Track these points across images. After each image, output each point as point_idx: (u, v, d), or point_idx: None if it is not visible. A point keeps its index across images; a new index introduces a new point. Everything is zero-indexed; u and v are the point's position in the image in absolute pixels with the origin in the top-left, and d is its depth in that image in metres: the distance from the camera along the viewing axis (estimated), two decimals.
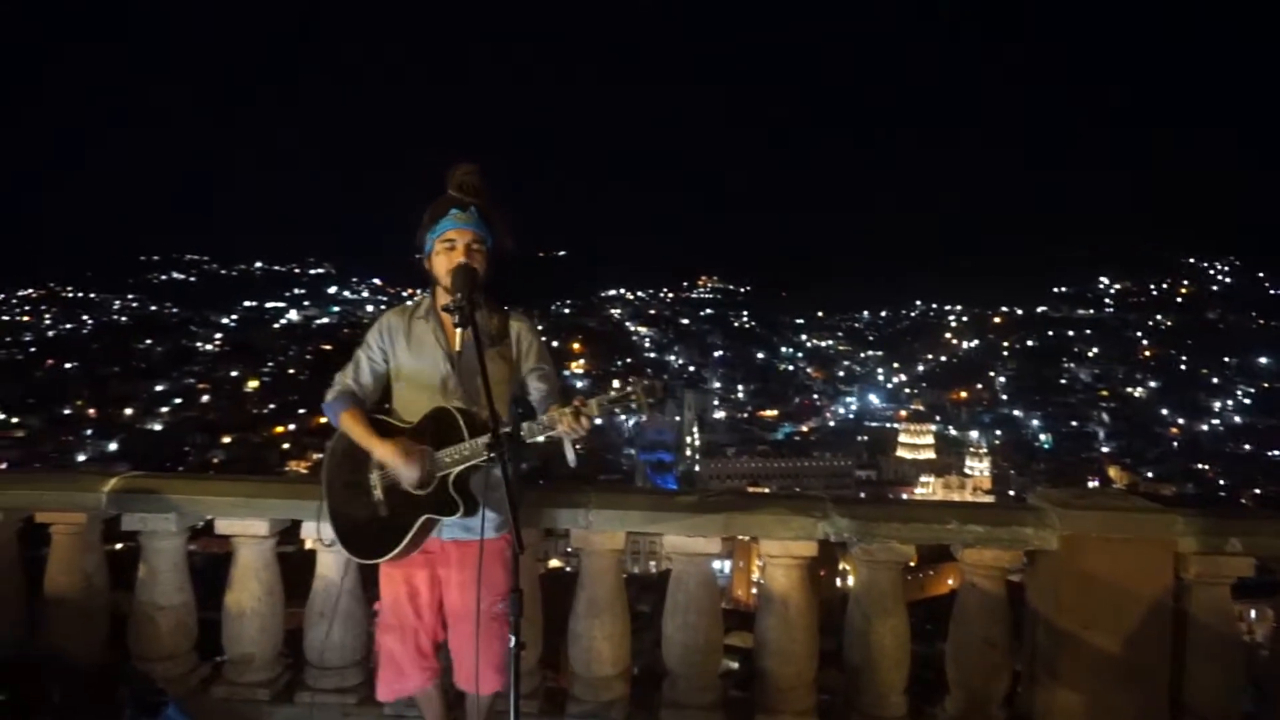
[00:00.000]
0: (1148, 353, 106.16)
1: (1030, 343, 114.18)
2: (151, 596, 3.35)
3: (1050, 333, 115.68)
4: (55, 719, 2.67)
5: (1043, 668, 3.10)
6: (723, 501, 3.19)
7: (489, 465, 2.52)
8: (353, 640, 3.34)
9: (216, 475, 3.57)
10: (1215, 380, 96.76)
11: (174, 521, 3.33)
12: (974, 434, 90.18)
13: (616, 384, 2.85)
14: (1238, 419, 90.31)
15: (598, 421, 2.45)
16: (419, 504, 2.57)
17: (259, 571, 3.37)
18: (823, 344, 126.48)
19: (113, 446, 70.68)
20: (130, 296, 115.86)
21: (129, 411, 79.81)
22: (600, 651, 3.21)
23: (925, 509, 3.17)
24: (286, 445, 72.56)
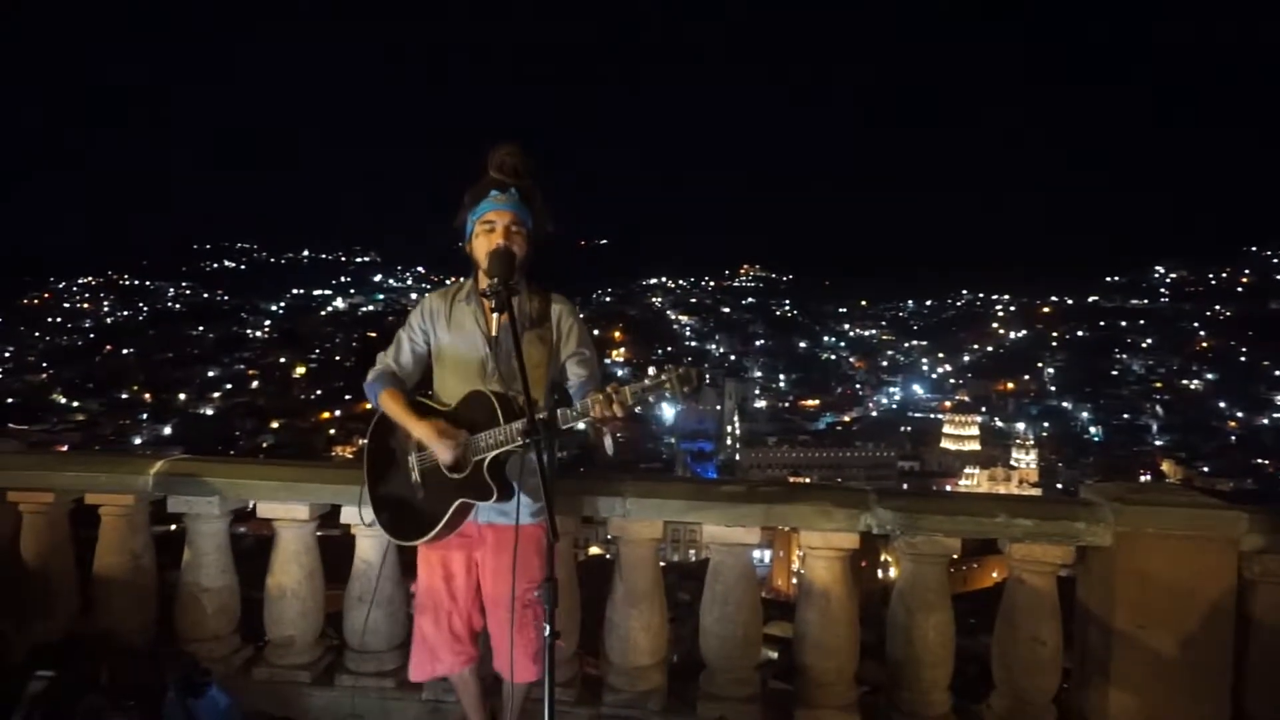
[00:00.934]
0: (1205, 344, 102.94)
1: (1081, 333, 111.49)
2: (196, 578, 3.40)
3: (1102, 323, 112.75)
4: (103, 698, 2.71)
5: (1095, 668, 2.99)
6: (763, 492, 3.13)
7: (524, 450, 2.50)
8: (392, 624, 3.36)
9: (259, 459, 3.59)
10: (1277, 373, 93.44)
11: (217, 504, 3.37)
12: (1021, 426, 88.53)
13: (652, 371, 2.81)
14: None
15: (635, 409, 2.41)
16: (455, 487, 2.56)
17: (299, 555, 3.40)
18: (866, 333, 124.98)
19: (167, 430, 72.81)
20: (184, 284, 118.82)
21: (182, 396, 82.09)
22: (637, 641, 3.18)
23: (972, 501, 3.08)
24: (332, 430, 74.04)
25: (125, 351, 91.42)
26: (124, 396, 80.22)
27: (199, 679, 2.92)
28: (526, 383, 2.23)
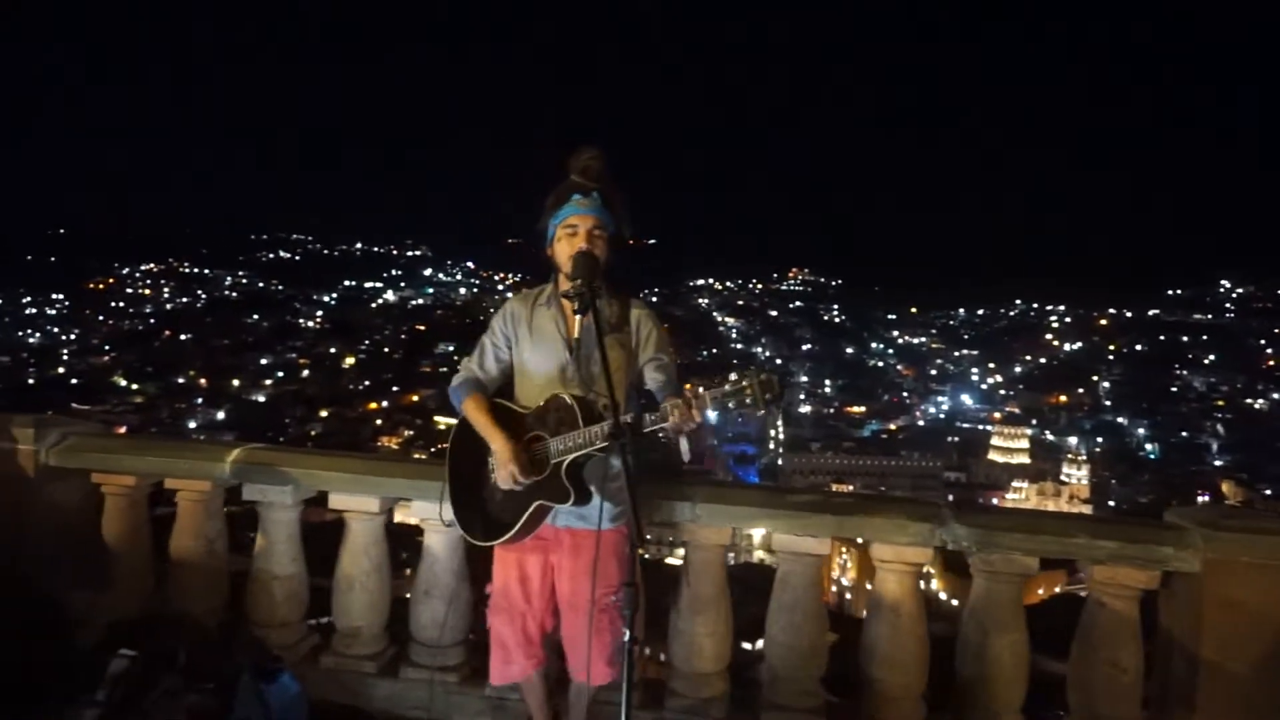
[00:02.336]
0: (1271, 362, 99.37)
1: (1140, 347, 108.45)
2: (268, 565, 3.46)
3: (1162, 337, 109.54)
4: (181, 679, 2.77)
5: (1177, 697, 2.89)
6: (836, 502, 3.09)
7: (605, 454, 2.51)
8: (458, 620, 3.38)
9: (332, 451, 3.65)
10: None
11: (290, 494, 3.43)
12: (1073, 440, 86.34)
13: (733, 376, 2.78)
14: None
15: (711, 415, 2.39)
16: (532, 490, 2.57)
17: (369, 547, 3.44)
18: (915, 341, 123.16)
19: (220, 415, 74.68)
20: (240, 273, 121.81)
21: (236, 382, 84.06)
22: (702, 647, 3.16)
23: (1052, 520, 3.00)
24: (379, 421, 75.23)
25: (183, 337, 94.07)
26: (180, 381, 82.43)
27: (272, 665, 2.98)
28: (611, 385, 2.23)
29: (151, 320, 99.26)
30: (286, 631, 3.48)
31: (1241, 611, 2.75)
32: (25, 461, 3.47)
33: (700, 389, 2.32)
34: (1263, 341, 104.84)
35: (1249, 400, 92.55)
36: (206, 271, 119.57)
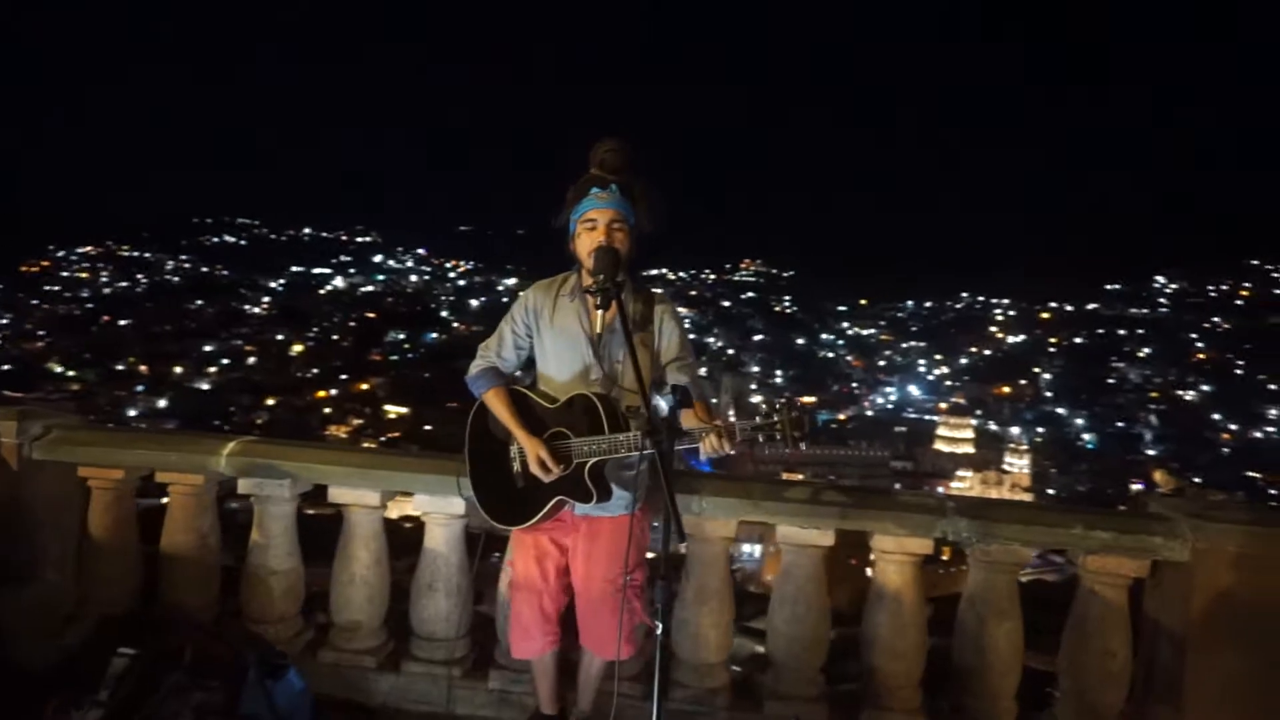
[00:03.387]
0: (1202, 355, 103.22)
1: (1079, 340, 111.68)
2: (265, 560, 3.41)
3: (1101, 331, 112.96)
4: (187, 677, 2.72)
5: (1163, 683, 3.02)
6: (839, 495, 3.15)
7: (637, 455, 2.53)
8: (459, 613, 3.37)
9: (331, 444, 3.59)
10: (1272, 387, 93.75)
11: (288, 487, 3.38)
12: (1015, 430, 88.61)
13: (764, 408, 2.83)
14: None
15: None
16: (554, 485, 2.59)
17: (368, 541, 3.42)
18: (864, 332, 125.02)
19: (162, 403, 72.58)
20: (183, 257, 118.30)
21: (179, 370, 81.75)
22: (707, 638, 3.20)
23: (1049, 512, 3.10)
24: (328, 410, 73.88)
25: (123, 323, 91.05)
26: (120, 368, 79.84)
27: (277, 660, 2.94)
28: (644, 384, 2.24)
29: (89, 305, 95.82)
30: (283, 626, 3.43)
31: (1228, 600, 2.88)
32: (8, 455, 3.36)
33: (733, 420, 2.38)
34: (1194, 335, 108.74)
35: (1180, 392, 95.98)
36: (147, 255, 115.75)
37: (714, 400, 2.58)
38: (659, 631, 2.10)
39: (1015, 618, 3.11)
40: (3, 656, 3.09)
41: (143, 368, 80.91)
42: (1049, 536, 3.02)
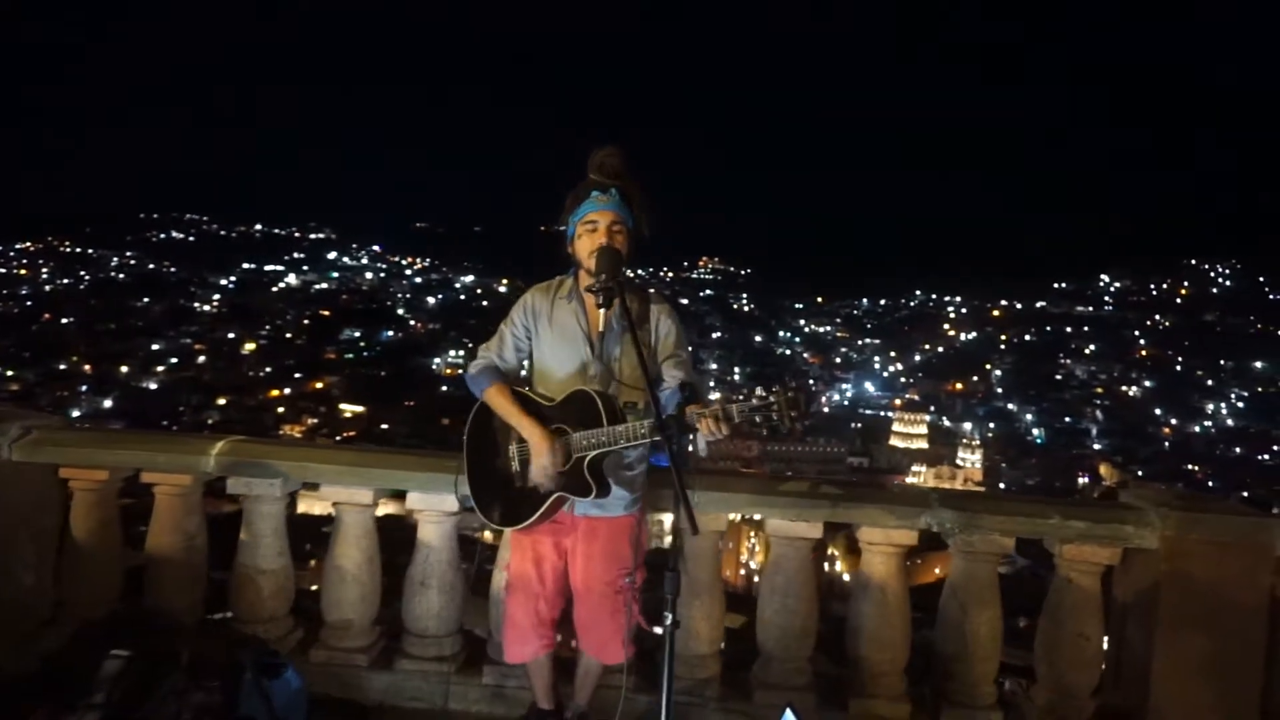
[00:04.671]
0: (1144, 352, 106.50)
1: (1028, 337, 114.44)
2: (254, 560, 3.39)
3: (1049, 328, 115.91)
4: (185, 677, 2.71)
5: (1133, 664, 3.17)
6: (827, 490, 3.24)
7: (628, 449, 2.58)
8: (452, 609, 3.39)
9: (322, 442, 3.58)
10: (1210, 382, 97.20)
11: (279, 486, 3.36)
12: (968, 426, 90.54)
13: (760, 391, 2.89)
14: (1230, 422, 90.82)
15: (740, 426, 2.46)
16: (554, 481, 2.61)
17: (360, 539, 3.41)
18: (821, 329, 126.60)
19: (107, 403, 70.64)
20: (129, 254, 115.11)
21: (125, 369, 79.61)
22: (699, 631, 3.27)
23: (1028, 504, 3.22)
24: (281, 409, 72.61)
25: (65, 321, 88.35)
26: (62, 367, 77.50)
27: (273, 660, 2.93)
28: (650, 383, 2.29)
29: (29, 302, 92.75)
30: (273, 626, 3.41)
31: (1192, 585, 3.03)
32: None
33: (729, 402, 2.38)
34: (1137, 333, 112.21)
35: (1124, 388, 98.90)
36: (90, 251, 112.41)
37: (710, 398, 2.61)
38: (668, 624, 2.15)
39: (995, 606, 3.23)
40: None
41: (86, 367, 78.63)
42: (1028, 526, 3.15)
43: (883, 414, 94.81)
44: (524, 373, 2.87)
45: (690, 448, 2.69)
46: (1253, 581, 3.03)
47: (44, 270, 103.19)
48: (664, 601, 2.15)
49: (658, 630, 2.15)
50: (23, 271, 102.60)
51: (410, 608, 3.38)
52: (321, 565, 3.55)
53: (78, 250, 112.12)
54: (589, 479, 2.57)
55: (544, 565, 2.82)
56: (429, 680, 3.33)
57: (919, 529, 3.18)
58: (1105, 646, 3.25)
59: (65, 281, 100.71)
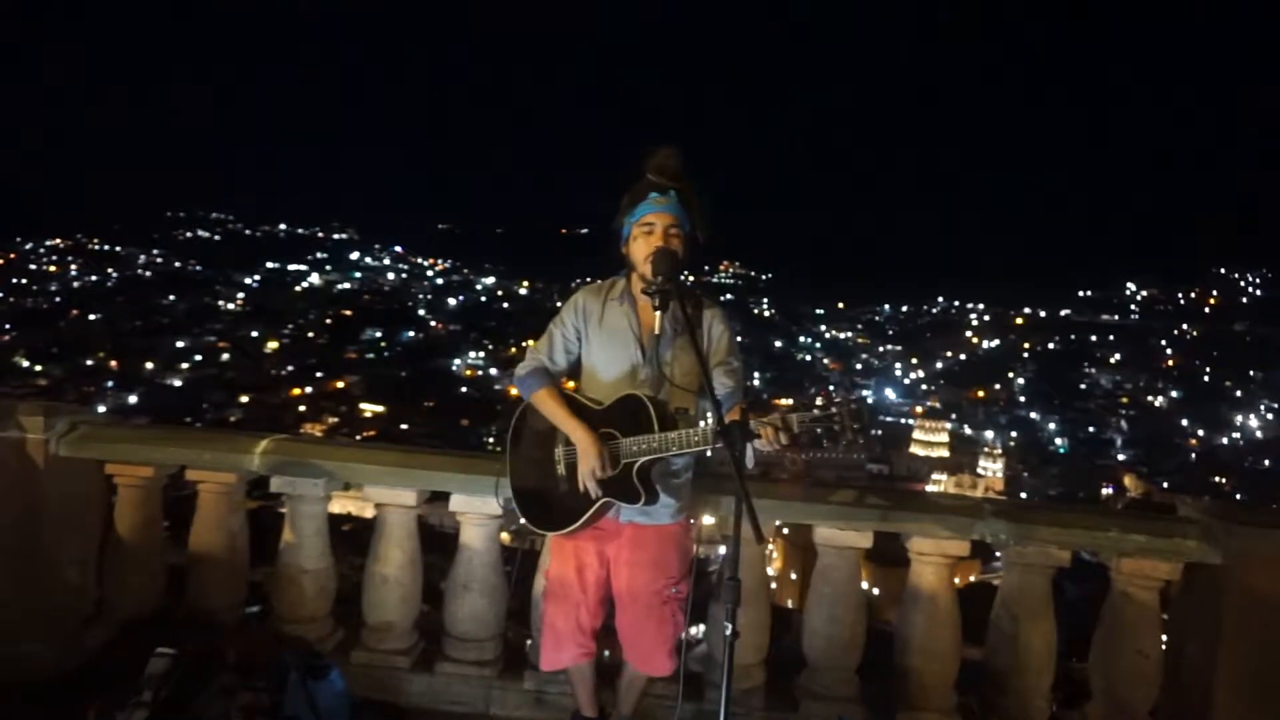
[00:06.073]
0: (1171, 362, 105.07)
1: (1051, 345, 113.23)
2: (297, 560, 3.38)
3: (1073, 336, 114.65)
4: (235, 676, 2.69)
5: (1194, 684, 3.08)
6: (877, 498, 3.18)
7: (676, 457, 2.53)
8: (494, 613, 3.36)
9: (365, 442, 3.57)
10: (1239, 394, 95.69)
11: (323, 486, 3.35)
12: (989, 434, 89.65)
13: (820, 401, 2.86)
14: (1259, 434, 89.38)
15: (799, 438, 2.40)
16: (602, 486, 2.57)
17: (403, 540, 3.39)
18: (842, 335, 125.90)
19: (132, 399, 71.42)
20: (156, 252, 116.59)
21: (150, 365, 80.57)
22: (745, 639, 3.21)
23: (1085, 515, 3.14)
24: (302, 408, 73.15)
25: (92, 317, 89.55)
26: (89, 363, 78.52)
27: (319, 661, 2.92)
28: (712, 386, 2.25)
29: (57, 299, 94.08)
30: (315, 626, 3.40)
31: (1259, 602, 2.94)
32: (34, 452, 3.28)
33: (791, 414, 2.33)
34: (1163, 342, 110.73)
35: (1150, 398, 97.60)
36: (118, 249, 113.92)
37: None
38: (728, 634, 2.10)
39: (1049, 618, 3.16)
40: (25, 657, 3.03)
41: (112, 363, 79.63)
42: (1085, 539, 3.07)
43: (903, 421, 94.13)
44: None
45: (749, 463, 2.66)
46: None
47: (73, 267, 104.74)
48: (725, 611, 2.11)
49: (701, 643, 2.11)
50: (52, 268, 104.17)
51: (452, 610, 3.35)
52: (340, 565, 3.53)
53: (106, 248, 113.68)
54: (638, 485, 2.52)
55: (586, 572, 2.77)
56: (470, 684, 3.30)
57: (971, 539, 3.11)
58: None
59: (93, 279, 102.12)
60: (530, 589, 3.27)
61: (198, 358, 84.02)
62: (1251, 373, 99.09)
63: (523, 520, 2.78)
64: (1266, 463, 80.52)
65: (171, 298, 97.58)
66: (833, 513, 3.13)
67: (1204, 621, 3.07)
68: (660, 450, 2.46)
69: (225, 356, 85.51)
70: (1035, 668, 3.14)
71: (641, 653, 2.77)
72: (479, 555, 3.33)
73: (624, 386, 2.62)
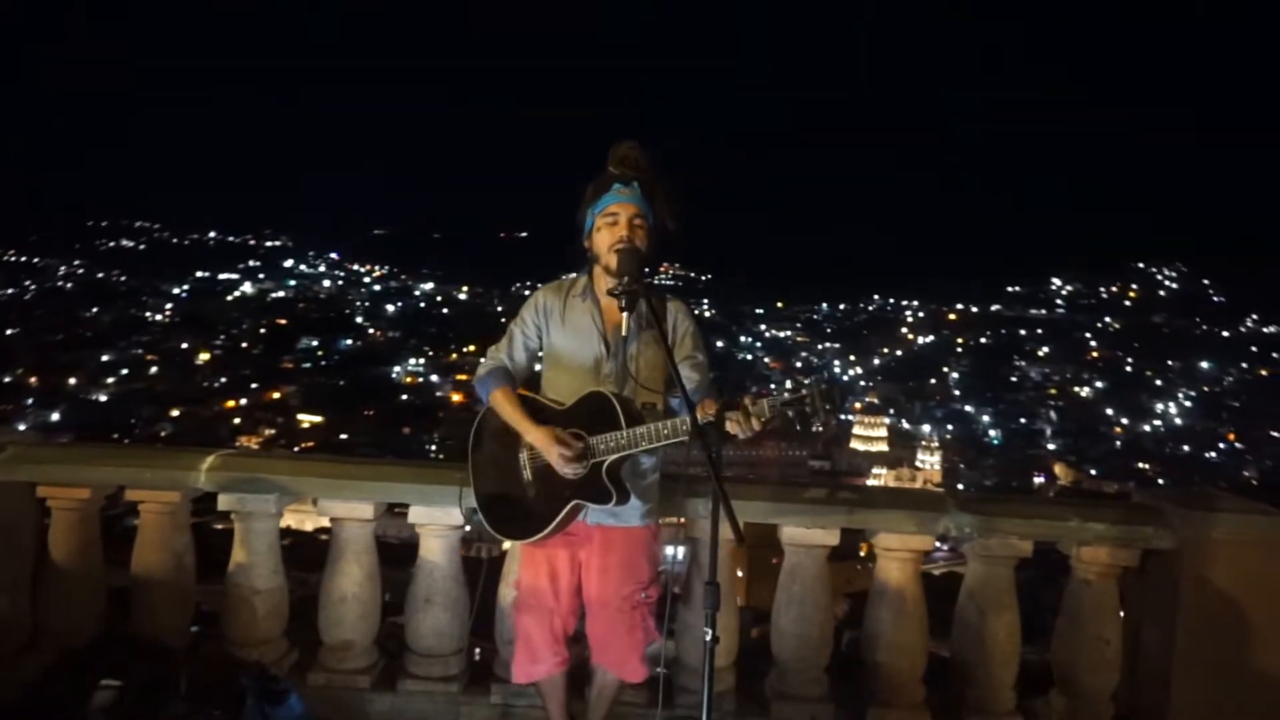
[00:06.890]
0: (1095, 354, 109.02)
1: (984, 340, 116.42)
2: (249, 580, 3.23)
3: (1003, 331, 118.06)
4: (184, 707, 2.56)
5: (1153, 668, 3.16)
6: (844, 496, 3.19)
7: (643, 454, 2.50)
8: (456, 627, 3.27)
9: (316, 454, 3.45)
10: (1158, 383, 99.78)
11: (274, 502, 3.22)
12: (926, 428, 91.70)
13: (790, 384, 2.84)
14: (1178, 421, 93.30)
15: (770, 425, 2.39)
16: (570, 488, 2.51)
17: (360, 555, 3.28)
18: (781, 334, 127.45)
19: (55, 416, 68.44)
20: (77, 263, 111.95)
21: (73, 381, 77.36)
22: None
23: (1046, 506, 3.21)
24: (237, 420, 71.13)
25: (9, 332, 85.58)
26: (6, 380, 75.04)
27: (276, 685, 2.79)
28: (682, 384, 2.22)
29: None
30: (267, 649, 3.25)
31: (1212, 586, 3.03)
32: None
33: (761, 398, 2.31)
34: (1088, 335, 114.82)
35: (1076, 389, 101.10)
36: (35, 260, 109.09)
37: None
38: (708, 639, 2.07)
39: (1013, 610, 3.20)
40: None
41: (32, 379, 76.22)
42: (1047, 529, 3.13)
43: (843, 417, 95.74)
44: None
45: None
46: (1273, 579, 3.03)
47: None
48: (705, 616, 2.08)
49: (670, 645, 2.07)
50: None
51: (414, 626, 3.25)
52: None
53: (21, 259, 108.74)
54: (608, 484, 2.47)
55: (559, 580, 2.71)
56: (435, 701, 3.20)
57: (936, 534, 3.13)
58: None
59: (9, 291, 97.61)
60: (494, 600, 3.20)
61: (124, 371, 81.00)
62: (1170, 362, 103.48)
63: (489, 530, 2.70)
64: (1186, 448, 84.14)
65: (95, 310, 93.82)
66: (802, 511, 3.12)
67: (1159, 605, 3.15)
68: (629, 446, 2.41)
69: (154, 370, 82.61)
70: (1001, 658, 3.17)
71: (614, 658, 2.72)
72: (440, 568, 3.23)
73: (588, 384, 2.56)
